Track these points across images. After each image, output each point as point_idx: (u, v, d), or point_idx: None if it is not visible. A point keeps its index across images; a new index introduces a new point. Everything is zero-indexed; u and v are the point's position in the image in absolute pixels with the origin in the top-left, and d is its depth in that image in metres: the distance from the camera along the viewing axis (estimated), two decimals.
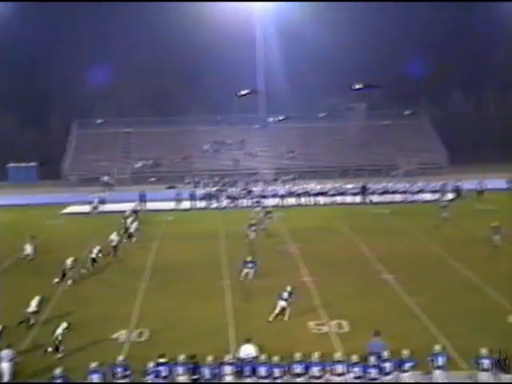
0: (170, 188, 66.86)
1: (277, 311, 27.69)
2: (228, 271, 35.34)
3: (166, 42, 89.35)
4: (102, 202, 56.93)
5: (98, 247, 36.89)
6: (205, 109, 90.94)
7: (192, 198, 58.14)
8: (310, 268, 35.59)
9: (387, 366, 21.10)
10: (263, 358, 21.58)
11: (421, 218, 48.22)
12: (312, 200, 57.93)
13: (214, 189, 60.72)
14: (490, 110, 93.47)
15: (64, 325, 24.70)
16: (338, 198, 57.95)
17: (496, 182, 59.70)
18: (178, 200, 57.43)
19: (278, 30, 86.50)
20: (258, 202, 54.50)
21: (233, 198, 58.16)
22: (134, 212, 49.55)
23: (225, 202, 58.03)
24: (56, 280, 33.56)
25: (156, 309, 29.49)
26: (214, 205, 57.78)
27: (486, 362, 21.02)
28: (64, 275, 33.53)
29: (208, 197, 58.43)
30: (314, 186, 59.61)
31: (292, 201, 57.66)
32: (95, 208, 55.99)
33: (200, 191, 60.19)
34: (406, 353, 21.35)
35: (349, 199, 57.94)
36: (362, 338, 23.96)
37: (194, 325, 27.25)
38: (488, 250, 37.81)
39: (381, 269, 35.20)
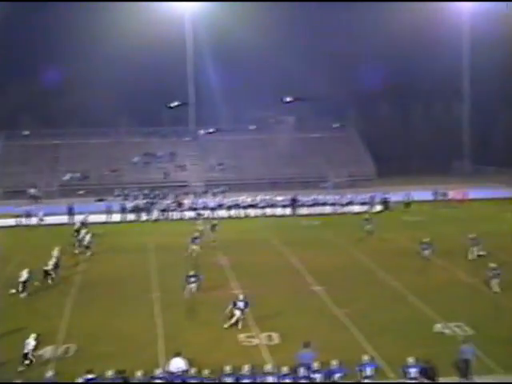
0: (99, 201, 65.96)
1: (233, 320, 27.87)
2: (158, 284, 35.07)
3: (94, 52, 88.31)
4: (29, 215, 55.72)
5: (53, 260, 36.39)
6: (135, 121, 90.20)
7: (122, 210, 57.53)
8: (240, 280, 35.61)
9: (317, 376, 21.27)
10: (193, 371, 21.46)
11: (350, 229, 48.90)
12: (242, 212, 58.07)
13: (144, 201, 60.21)
14: (416, 123, 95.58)
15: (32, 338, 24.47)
16: (268, 210, 58.28)
17: (422, 194, 61.03)
18: (109, 213, 56.74)
19: (209, 42, 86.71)
20: (199, 214, 54.15)
21: (163, 211, 57.81)
22: (83, 224, 48.80)
23: (155, 215, 57.62)
24: (12, 291, 33.34)
25: (84, 323, 28.99)
26: (144, 217, 57.33)
27: (412, 371, 21.44)
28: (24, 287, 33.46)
29: (138, 209, 57.93)
30: (244, 198, 59.75)
31: (222, 213, 57.66)
32: (25, 220, 54.93)
33: (130, 204, 59.58)
34: (335, 363, 21.57)
35: (279, 211, 58.31)
36: (291, 349, 24.09)
37: (122, 339, 26.91)
38: (416, 262, 38.59)
39: (310, 280, 35.49)
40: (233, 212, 58.11)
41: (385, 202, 59.47)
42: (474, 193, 62.68)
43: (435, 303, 30.55)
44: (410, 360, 21.57)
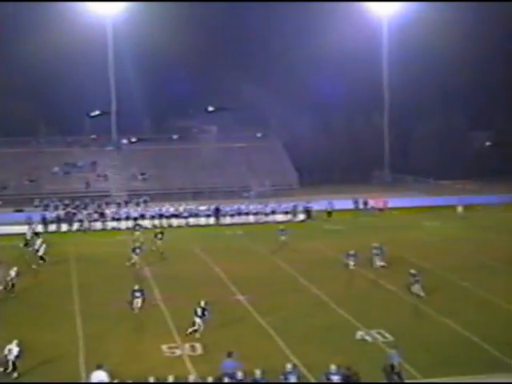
0: (17, 211, 64.27)
1: (196, 327, 27.82)
2: (78, 295, 34.42)
3: (13, 59, 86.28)
4: None
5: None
6: (55, 130, 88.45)
7: (43, 221, 56.27)
8: (162, 290, 35.33)
9: None
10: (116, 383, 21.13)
11: (273, 238, 49.06)
12: (165, 222, 57.63)
13: (65, 212, 59.03)
14: (338, 133, 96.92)
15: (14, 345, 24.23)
16: (192, 220, 58.04)
17: (343, 203, 61.90)
18: (29, 223, 55.26)
19: (131, 49, 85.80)
20: (138, 225, 53.16)
21: (83, 221, 56.82)
22: (36, 234, 47.84)
23: (76, 225, 56.61)
24: None
25: (1, 338, 28.14)
26: (65, 228, 56.25)
27: (335, 378, 21.68)
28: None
29: (59, 220, 56.80)
30: (167, 207, 59.32)
31: (145, 223, 57.08)
32: None
33: (50, 214, 58.31)
34: (258, 373, 21.60)
35: (202, 221, 58.16)
36: (215, 359, 24.02)
37: (42, 352, 26.22)
38: (338, 270, 39.08)
39: (234, 290, 35.50)
40: (156, 222, 57.60)
41: (307, 211, 60.05)
42: (393, 201, 64.00)
43: (356, 311, 30.99)
44: (333, 367, 21.81)
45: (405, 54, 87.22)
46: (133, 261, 40.73)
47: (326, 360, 23.12)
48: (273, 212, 59.48)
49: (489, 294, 33.68)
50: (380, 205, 62.51)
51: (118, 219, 57.14)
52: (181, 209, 58.95)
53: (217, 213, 58.69)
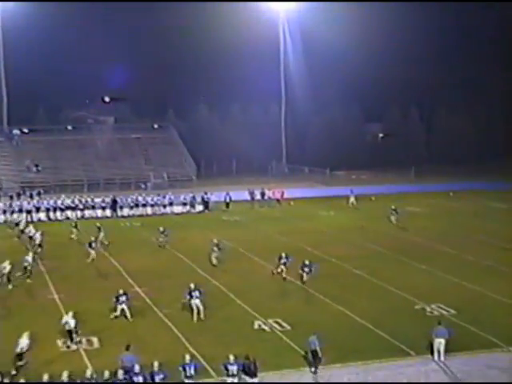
0: None
1: (117, 313, 28.76)
2: None
3: None
4: None
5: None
6: None
7: None
8: (56, 285, 34.63)
9: (139, 379, 21.12)
10: (7, 380, 20.56)
11: (172, 230, 48.76)
12: (60, 214, 56.33)
13: None
14: (235, 124, 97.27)
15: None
16: (88, 212, 56.96)
17: (241, 194, 62.25)
18: None
19: (21, 36, 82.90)
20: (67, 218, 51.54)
21: None
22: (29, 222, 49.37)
23: None
24: None
25: None
26: None
27: (233, 368, 21.85)
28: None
29: None
30: (62, 200, 57.94)
31: (40, 216, 55.65)
32: None
33: None
34: (156, 365, 21.53)
35: (99, 213, 57.17)
36: (113, 353, 23.76)
37: None
38: (236, 261, 39.34)
39: (132, 282, 35.18)
40: (51, 215, 56.22)
41: (205, 203, 60.09)
42: (290, 192, 64.90)
43: (254, 301, 31.31)
44: (231, 357, 21.99)
45: (299, 48, 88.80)
46: (91, 257, 39.73)
47: (224, 350, 23.30)
48: (171, 203, 59.16)
49: (381, 281, 34.76)
50: (277, 195, 63.23)
51: (12, 212, 55.36)
52: (76, 201, 57.73)
53: (114, 204, 57.83)
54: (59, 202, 57.35)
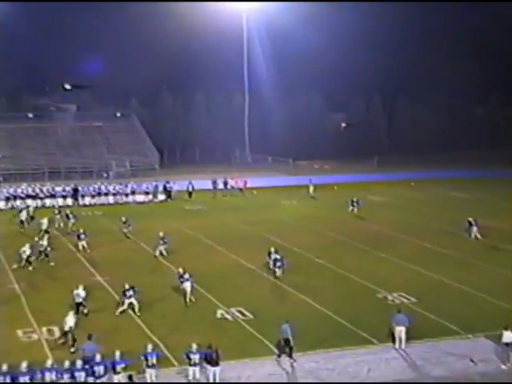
0: None
1: (124, 307, 28.26)
2: None
3: None
4: None
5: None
6: None
7: None
8: (16, 274, 34.21)
9: (100, 368, 20.98)
10: None
11: (134, 219, 48.44)
12: (20, 203, 55.51)
13: None
14: (199, 113, 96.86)
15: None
16: (48, 201, 56.25)
17: (204, 183, 62.12)
18: None
19: None
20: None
21: None
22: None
23: None
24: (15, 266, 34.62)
25: None
26: None
27: (195, 357, 21.83)
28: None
29: None
30: (22, 188, 57.18)
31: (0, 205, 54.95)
32: None
33: None
34: (118, 354, 21.41)
35: (60, 202, 56.48)
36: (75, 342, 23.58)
37: None
38: (199, 250, 39.31)
39: (93, 271, 34.93)
40: (10, 204, 55.41)
41: (167, 192, 59.83)
42: (253, 181, 64.95)
43: (217, 290, 31.30)
44: (193, 346, 21.96)
45: (263, 37, 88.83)
46: (82, 248, 39.65)
47: (187, 339, 23.25)
48: (133, 192, 58.77)
49: (343, 270, 35.00)
50: (240, 185, 63.23)
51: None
52: (37, 189, 57.01)
53: (75, 193, 57.23)
54: (19, 191, 56.58)
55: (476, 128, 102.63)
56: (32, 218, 47.31)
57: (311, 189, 60.45)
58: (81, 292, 27.79)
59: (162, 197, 59.43)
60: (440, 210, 53.41)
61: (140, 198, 58.56)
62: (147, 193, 59.26)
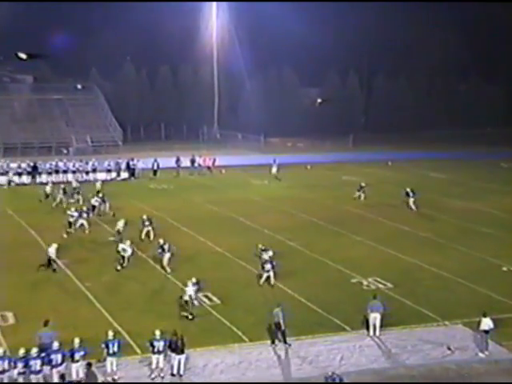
0: None
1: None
2: None
3: None
4: None
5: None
6: None
7: None
8: None
9: (57, 357, 20.84)
10: None
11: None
12: None
13: None
14: (165, 87, 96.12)
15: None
16: (3, 178, 55.57)
17: (170, 161, 61.75)
18: None
19: None
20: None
21: None
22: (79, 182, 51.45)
23: None
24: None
25: None
26: None
27: (159, 345, 21.77)
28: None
29: None
30: None
31: None
32: None
33: None
34: (77, 341, 21.27)
35: (15, 179, 55.85)
36: (30, 329, 23.39)
37: None
38: (165, 231, 39.12)
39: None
40: None
41: (131, 169, 59.43)
42: (222, 159, 64.76)
43: (183, 274, 31.14)
44: (157, 333, 21.90)
45: (235, 10, 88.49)
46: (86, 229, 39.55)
47: (150, 326, 23.20)
48: (94, 170, 58.28)
49: (315, 253, 35.14)
50: (208, 163, 63.01)
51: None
52: None
53: (33, 170, 56.59)
54: None
55: (458, 106, 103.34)
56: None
57: (274, 169, 59.88)
58: (53, 250, 31.37)
59: (125, 175, 59.04)
60: (418, 191, 53.70)
61: (102, 175, 58.03)
62: (109, 170, 58.82)
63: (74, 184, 49.87)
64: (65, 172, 57.50)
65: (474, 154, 74.45)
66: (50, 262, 31.66)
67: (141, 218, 38.51)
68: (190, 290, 26.73)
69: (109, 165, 59.29)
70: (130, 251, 32.55)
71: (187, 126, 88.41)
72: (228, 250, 35.30)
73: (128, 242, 32.96)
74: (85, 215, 39.81)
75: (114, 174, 58.66)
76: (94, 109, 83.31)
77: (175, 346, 21.90)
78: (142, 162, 60.29)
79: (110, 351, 21.48)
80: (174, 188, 54.78)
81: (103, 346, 21.55)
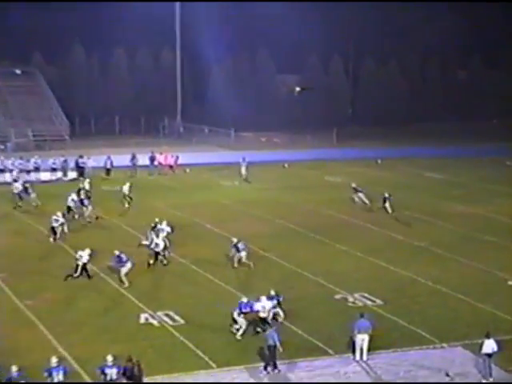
0: None
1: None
2: None
3: None
4: None
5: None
6: None
7: None
8: None
9: None
10: None
11: (43, 200, 47.66)
12: None
13: None
14: (120, 75, 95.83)
15: None
16: None
17: (126, 158, 61.48)
18: None
19: None
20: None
21: None
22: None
23: None
24: None
25: None
26: None
27: (111, 372, 21.60)
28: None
29: None
30: None
31: None
32: None
33: None
34: (14, 369, 21.08)
35: None
36: None
37: None
38: (121, 241, 38.95)
39: None
40: None
41: (80, 168, 59.17)
42: (186, 157, 64.61)
43: (140, 290, 31.14)
44: (109, 358, 21.73)
45: None
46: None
47: (102, 350, 23.12)
48: (36, 169, 58.02)
49: (294, 265, 35.17)
50: (170, 161, 62.87)
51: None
52: None
53: None
54: None
55: (457, 94, 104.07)
56: None
57: (243, 169, 59.70)
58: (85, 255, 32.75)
59: (72, 175, 58.80)
60: (412, 193, 54.00)
61: (45, 175, 57.86)
62: (54, 170, 58.55)
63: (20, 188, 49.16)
64: (1, 171, 57.13)
65: (475, 150, 74.96)
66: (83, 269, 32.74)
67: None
68: (267, 303, 26.74)
69: (54, 163, 59.08)
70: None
71: (145, 119, 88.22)
72: (193, 262, 35.21)
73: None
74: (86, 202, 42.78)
75: (59, 174, 58.41)
76: (36, 97, 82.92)
77: (131, 374, 21.77)
78: (93, 160, 60.13)
79: (55, 380, 21.31)
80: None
81: (46, 374, 21.37)
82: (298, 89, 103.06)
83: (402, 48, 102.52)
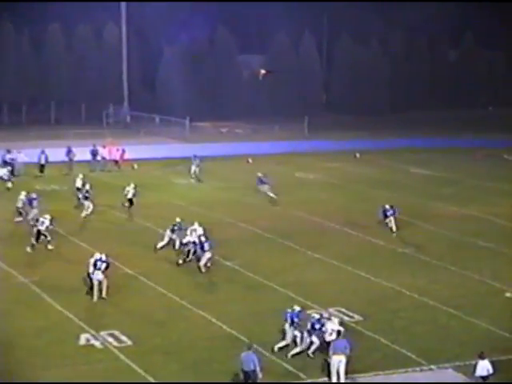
0: None
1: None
2: None
3: None
4: None
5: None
6: None
7: None
8: None
9: None
10: None
11: None
12: None
13: None
14: (54, 52, 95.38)
15: None
16: None
17: (63, 152, 61.09)
18: None
19: None
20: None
21: None
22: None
23: None
24: None
25: None
26: None
27: None
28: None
29: None
30: None
31: None
32: None
33: None
34: None
35: None
36: None
37: None
38: (55, 248, 38.79)
39: None
40: None
41: (9, 164, 58.73)
42: (134, 150, 64.48)
43: (79, 305, 31.06)
44: None
45: None
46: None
47: (33, 376, 22.94)
48: None
49: (258, 275, 35.24)
50: (115, 155, 62.66)
51: None
52: None
53: None
54: None
55: (447, 78, 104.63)
56: None
57: (193, 168, 59.34)
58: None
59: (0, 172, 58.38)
60: (395, 192, 54.19)
61: None
62: None
63: None
64: None
65: (468, 141, 75.56)
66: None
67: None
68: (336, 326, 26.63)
69: None
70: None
71: (86, 106, 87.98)
72: (142, 273, 35.12)
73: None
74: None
75: None
76: None
77: None
78: (25, 155, 59.73)
79: None
80: (68, 189, 54.03)
81: None
82: (263, 72, 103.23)
83: (384, 24, 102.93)
